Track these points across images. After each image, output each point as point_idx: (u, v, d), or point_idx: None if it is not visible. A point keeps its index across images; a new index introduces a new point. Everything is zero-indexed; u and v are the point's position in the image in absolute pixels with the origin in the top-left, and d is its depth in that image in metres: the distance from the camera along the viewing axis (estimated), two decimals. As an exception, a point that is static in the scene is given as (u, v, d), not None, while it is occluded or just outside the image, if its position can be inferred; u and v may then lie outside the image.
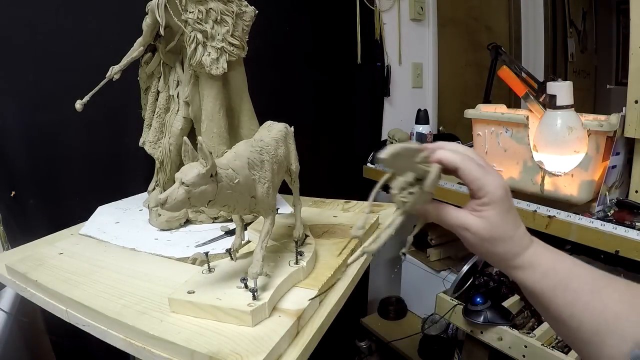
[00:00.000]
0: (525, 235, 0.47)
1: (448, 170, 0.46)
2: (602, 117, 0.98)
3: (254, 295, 0.49)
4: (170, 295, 0.51)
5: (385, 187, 0.47)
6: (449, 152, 0.46)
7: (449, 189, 1.25)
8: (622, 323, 0.42)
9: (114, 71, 0.79)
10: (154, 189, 0.90)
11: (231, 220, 0.81)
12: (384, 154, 0.42)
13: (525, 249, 0.46)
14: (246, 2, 0.80)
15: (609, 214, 0.96)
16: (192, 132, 0.84)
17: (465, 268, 1.24)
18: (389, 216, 0.48)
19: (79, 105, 0.78)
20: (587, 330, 0.43)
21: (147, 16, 0.78)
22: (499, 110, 1.18)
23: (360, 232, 0.47)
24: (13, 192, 0.99)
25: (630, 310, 0.42)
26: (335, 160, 1.54)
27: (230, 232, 0.76)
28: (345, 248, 0.63)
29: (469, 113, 1.18)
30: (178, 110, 0.83)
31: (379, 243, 0.48)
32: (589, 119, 0.97)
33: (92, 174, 1.08)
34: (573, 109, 0.97)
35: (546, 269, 0.45)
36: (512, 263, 0.46)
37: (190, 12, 0.73)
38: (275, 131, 0.63)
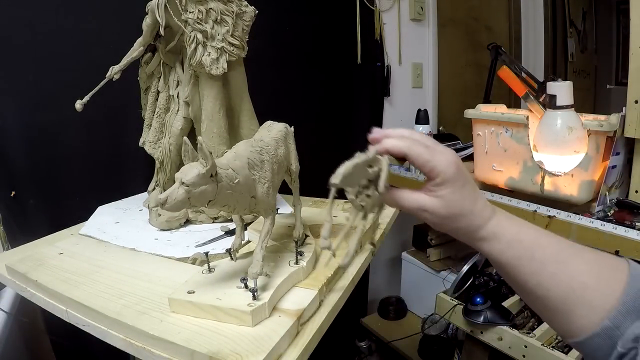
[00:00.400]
0: (486, 206, 0.47)
1: (398, 157, 0.46)
2: (602, 117, 0.98)
3: (254, 295, 0.49)
4: (170, 295, 0.51)
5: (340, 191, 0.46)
6: (395, 139, 0.45)
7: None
8: (590, 293, 0.42)
9: (114, 71, 0.79)
10: (154, 189, 0.90)
11: (231, 220, 0.81)
12: (335, 179, 0.42)
13: (488, 220, 0.46)
14: (246, 2, 0.80)
15: (609, 214, 0.96)
16: (192, 132, 0.84)
17: (465, 268, 1.24)
18: (358, 222, 0.49)
19: (79, 105, 0.78)
20: (555, 299, 0.44)
21: (147, 16, 0.78)
22: (499, 110, 1.18)
23: (327, 242, 0.47)
24: (13, 192, 0.99)
25: (598, 281, 0.43)
26: (335, 160, 1.54)
27: (230, 232, 0.76)
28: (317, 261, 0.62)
29: (469, 113, 1.18)
30: (178, 110, 0.83)
31: (350, 255, 0.49)
32: (589, 119, 0.97)
33: (92, 174, 1.08)
34: (573, 109, 0.97)
35: (510, 240, 0.45)
36: (476, 235, 0.46)
37: (190, 12, 0.73)
38: (275, 131, 0.63)
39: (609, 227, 0.89)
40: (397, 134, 0.46)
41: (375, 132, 0.47)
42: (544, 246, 0.45)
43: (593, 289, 0.42)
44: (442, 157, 0.44)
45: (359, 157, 0.44)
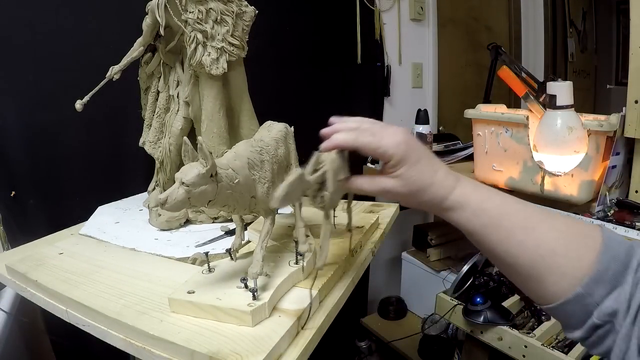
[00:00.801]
0: (447, 176, 0.47)
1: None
2: (602, 117, 0.98)
3: (254, 295, 0.49)
4: (170, 295, 0.51)
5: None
6: (342, 134, 0.47)
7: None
8: (560, 260, 0.42)
9: (114, 71, 0.79)
10: (154, 189, 0.90)
11: (231, 220, 0.81)
12: (274, 204, 0.45)
13: (452, 190, 0.47)
14: (246, 2, 0.80)
15: (609, 214, 0.96)
16: (192, 132, 0.84)
17: (465, 268, 1.24)
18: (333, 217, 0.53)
19: (79, 105, 0.78)
20: (524, 266, 0.44)
21: (147, 16, 0.78)
22: (499, 110, 1.18)
23: (306, 246, 0.51)
24: (13, 192, 0.99)
25: (568, 247, 0.43)
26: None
27: (230, 232, 0.76)
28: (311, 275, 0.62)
29: (469, 113, 1.18)
30: (178, 110, 0.83)
31: (324, 255, 0.51)
32: (589, 119, 0.97)
33: (92, 174, 1.08)
34: (573, 109, 0.97)
35: (475, 208, 0.46)
36: (442, 206, 0.47)
37: (190, 12, 0.73)
38: (275, 131, 0.63)
39: (609, 227, 0.89)
40: (345, 127, 0.48)
41: (326, 129, 0.49)
42: (510, 214, 0.45)
43: (562, 255, 0.42)
44: (390, 139, 0.45)
45: (293, 174, 0.46)
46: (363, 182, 0.49)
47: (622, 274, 0.40)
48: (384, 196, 0.49)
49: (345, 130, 0.47)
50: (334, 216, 0.81)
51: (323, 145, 0.48)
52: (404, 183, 0.46)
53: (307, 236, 0.66)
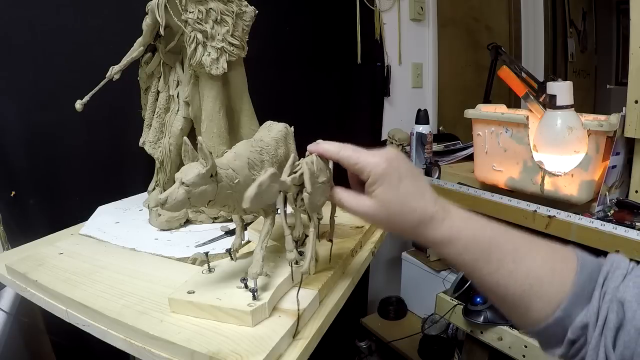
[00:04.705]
0: (434, 205, 0.45)
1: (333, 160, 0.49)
2: (602, 117, 0.98)
3: (254, 295, 0.49)
4: (170, 295, 0.51)
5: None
6: (328, 144, 0.48)
7: (449, 189, 1.26)
8: (546, 287, 0.43)
9: (114, 71, 0.79)
10: (154, 189, 0.90)
11: (231, 220, 0.81)
12: (245, 204, 0.43)
13: (441, 222, 0.45)
14: (246, 2, 0.80)
15: (609, 214, 0.96)
16: (192, 132, 0.84)
17: (465, 268, 1.24)
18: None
19: (79, 105, 0.78)
20: (513, 296, 0.44)
21: (147, 16, 0.78)
22: (499, 110, 1.18)
23: (293, 254, 0.50)
24: (13, 192, 0.99)
25: (553, 274, 0.43)
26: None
27: (230, 232, 0.76)
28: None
29: (469, 113, 1.18)
30: (178, 110, 0.83)
31: (309, 258, 0.51)
32: (589, 119, 0.97)
33: (92, 174, 1.08)
34: (573, 109, 0.97)
35: (466, 243, 0.44)
36: (429, 238, 0.45)
37: (190, 12, 0.73)
38: (275, 131, 0.63)
39: (609, 227, 0.89)
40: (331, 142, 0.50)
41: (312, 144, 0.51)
42: (500, 245, 0.45)
43: (548, 282, 0.43)
44: (370, 156, 0.45)
45: (265, 173, 0.45)
46: (345, 197, 0.48)
47: (592, 291, 0.41)
48: (362, 219, 0.47)
49: (330, 142, 0.49)
50: (335, 216, 0.81)
51: (310, 147, 0.49)
52: (380, 205, 0.44)
53: (307, 236, 0.66)
